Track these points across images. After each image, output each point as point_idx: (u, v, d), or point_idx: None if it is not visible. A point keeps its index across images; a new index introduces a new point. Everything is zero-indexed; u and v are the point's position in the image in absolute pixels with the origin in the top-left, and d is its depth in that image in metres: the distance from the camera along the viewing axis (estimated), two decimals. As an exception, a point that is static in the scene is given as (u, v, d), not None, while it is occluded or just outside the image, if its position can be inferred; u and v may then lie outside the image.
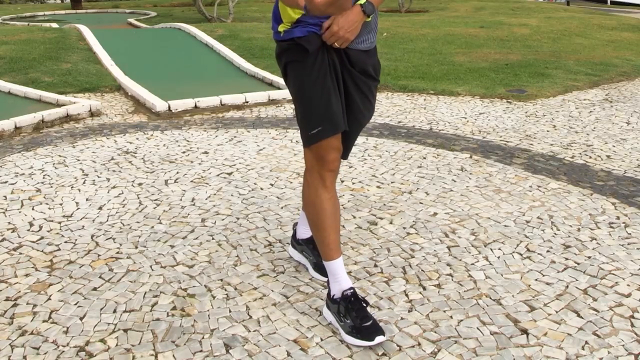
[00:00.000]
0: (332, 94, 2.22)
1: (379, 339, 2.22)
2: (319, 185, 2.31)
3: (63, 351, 2.23)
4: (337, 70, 2.25)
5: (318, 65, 2.20)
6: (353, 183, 3.87)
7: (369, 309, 2.36)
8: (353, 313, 2.27)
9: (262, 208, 3.50)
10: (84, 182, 3.89)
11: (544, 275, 2.75)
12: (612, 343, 2.27)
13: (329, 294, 2.40)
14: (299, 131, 2.35)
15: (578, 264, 2.85)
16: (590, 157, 4.39)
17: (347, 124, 2.31)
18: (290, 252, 2.87)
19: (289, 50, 2.25)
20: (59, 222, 3.31)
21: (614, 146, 4.66)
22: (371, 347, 2.23)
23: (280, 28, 2.26)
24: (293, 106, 2.58)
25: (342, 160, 2.44)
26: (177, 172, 4.08)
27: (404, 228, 3.23)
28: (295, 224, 2.89)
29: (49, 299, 2.58)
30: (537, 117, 5.55)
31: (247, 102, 5.95)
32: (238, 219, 3.36)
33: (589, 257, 2.91)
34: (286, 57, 2.28)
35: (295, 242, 2.85)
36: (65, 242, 3.09)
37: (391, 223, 3.29)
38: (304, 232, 2.79)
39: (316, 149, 2.27)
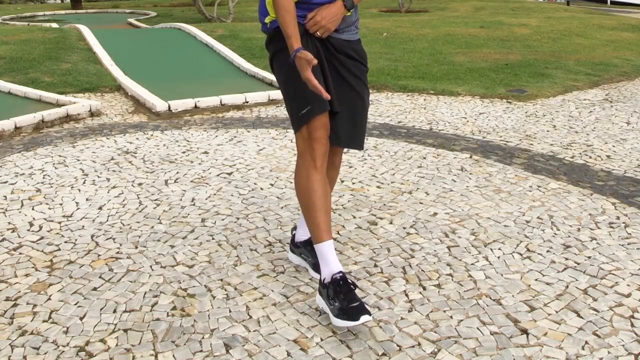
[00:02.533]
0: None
1: (363, 318, 2.24)
2: (310, 166, 2.42)
3: (63, 351, 2.23)
4: (321, 56, 2.43)
5: None
6: (353, 183, 3.87)
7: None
8: (341, 295, 2.30)
9: (262, 208, 3.50)
10: (84, 182, 3.89)
11: (544, 275, 2.75)
12: (612, 343, 2.27)
13: (320, 279, 2.42)
14: (290, 119, 2.50)
15: (578, 264, 2.85)
16: (590, 157, 4.39)
17: (349, 106, 2.51)
18: (290, 257, 2.89)
19: (275, 38, 2.44)
20: (59, 222, 3.31)
21: (614, 146, 4.66)
22: (371, 347, 2.23)
23: (267, 20, 2.46)
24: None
25: (356, 151, 2.56)
26: (177, 172, 4.08)
27: (404, 228, 3.23)
28: (293, 229, 2.91)
29: (49, 299, 2.58)
30: (537, 117, 5.55)
31: (247, 102, 5.95)
32: (238, 219, 3.36)
33: (589, 257, 2.91)
34: (273, 46, 2.47)
35: (294, 246, 2.86)
36: (65, 242, 3.09)
37: (391, 223, 3.29)
38: (302, 235, 2.80)
39: (306, 129, 2.41)
